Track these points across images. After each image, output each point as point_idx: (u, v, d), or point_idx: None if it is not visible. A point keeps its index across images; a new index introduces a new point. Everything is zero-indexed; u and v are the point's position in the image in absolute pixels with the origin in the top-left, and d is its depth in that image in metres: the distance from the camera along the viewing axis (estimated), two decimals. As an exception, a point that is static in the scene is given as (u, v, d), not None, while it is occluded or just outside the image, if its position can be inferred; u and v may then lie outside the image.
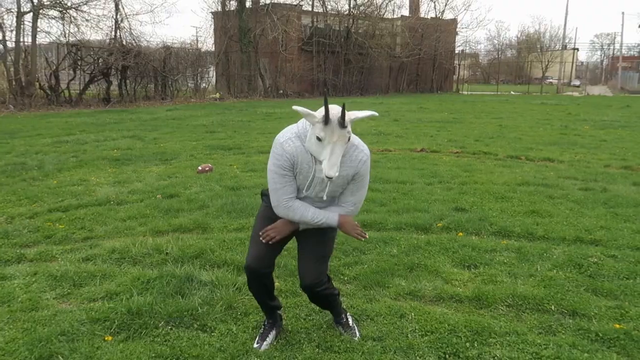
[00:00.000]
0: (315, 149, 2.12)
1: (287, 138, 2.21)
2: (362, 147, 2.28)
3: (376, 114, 2.22)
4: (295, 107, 2.11)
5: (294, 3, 27.22)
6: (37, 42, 18.22)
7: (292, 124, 2.29)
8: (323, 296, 2.48)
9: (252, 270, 2.37)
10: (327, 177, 2.08)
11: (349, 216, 2.35)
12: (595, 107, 19.68)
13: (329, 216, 2.30)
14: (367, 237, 2.38)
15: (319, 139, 2.07)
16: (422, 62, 34.00)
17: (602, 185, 5.93)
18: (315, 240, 2.40)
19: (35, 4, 17.96)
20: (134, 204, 5.12)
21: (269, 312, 2.62)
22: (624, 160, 7.71)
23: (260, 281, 2.43)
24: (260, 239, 2.34)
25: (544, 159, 7.87)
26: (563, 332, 2.67)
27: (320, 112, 2.08)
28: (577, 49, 64.19)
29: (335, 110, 2.07)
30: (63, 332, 2.62)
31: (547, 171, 6.86)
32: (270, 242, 2.33)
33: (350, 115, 2.13)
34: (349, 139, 2.11)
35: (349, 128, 2.09)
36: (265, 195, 2.45)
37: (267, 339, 2.56)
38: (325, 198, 2.29)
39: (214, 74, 26.86)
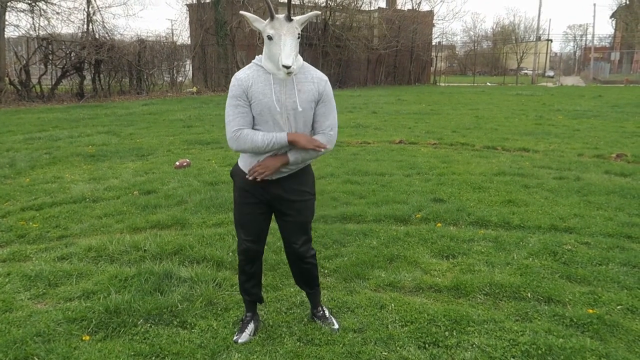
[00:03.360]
0: (270, 52, 2.20)
1: (241, 70, 2.32)
2: (319, 71, 2.35)
3: (318, 12, 2.33)
4: (242, 12, 2.28)
5: (271, -5, 26.96)
6: (5, 36, 17.67)
7: None
8: (311, 265, 2.56)
9: (251, 250, 2.46)
10: (284, 66, 2.13)
11: (300, 134, 2.28)
12: (568, 97, 20.05)
13: (277, 135, 2.24)
14: (327, 147, 2.31)
15: (270, 37, 2.17)
16: (400, 54, 34.12)
17: (576, 174, 6.06)
18: (297, 208, 2.42)
19: (2, -4, 17.40)
20: (110, 201, 5.04)
21: (251, 304, 2.65)
22: (597, 149, 7.88)
23: (255, 263, 2.52)
24: (248, 177, 2.31)
25: (520, 149, 8.00)
26: (539, 318, 2.73)
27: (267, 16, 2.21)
28: (551, 40, 65.17)
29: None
30: (39, 332, 2.57)
31: (523, 161, 6.98)
32: (258, 180, 2.29)
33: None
34: (298, 36, 2.19)
35: (296, 24, 2.18)
36: (235, 175, 2.47)
37: (246, 331, 2.57)
38: (299, 108, 2.25)
39: (191, 67, 26.46)
